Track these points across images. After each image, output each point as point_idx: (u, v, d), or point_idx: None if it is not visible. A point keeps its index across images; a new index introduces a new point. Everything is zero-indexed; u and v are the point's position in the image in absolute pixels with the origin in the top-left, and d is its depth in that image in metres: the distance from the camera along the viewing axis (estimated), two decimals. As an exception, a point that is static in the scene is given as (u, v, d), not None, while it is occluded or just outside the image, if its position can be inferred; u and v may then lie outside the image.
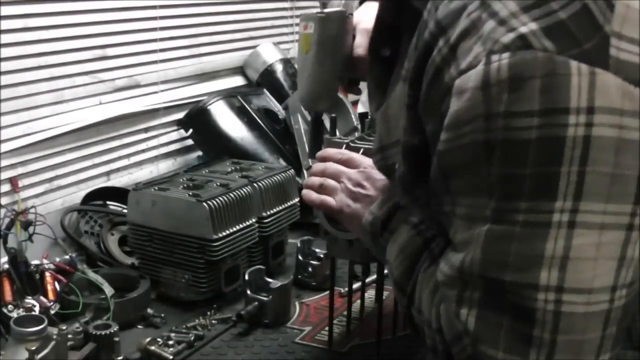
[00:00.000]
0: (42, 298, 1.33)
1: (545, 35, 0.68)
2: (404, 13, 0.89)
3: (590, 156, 0.68)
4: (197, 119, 2.10)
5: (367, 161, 1.10)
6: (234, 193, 1.50)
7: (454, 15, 0.74)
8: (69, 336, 1.20)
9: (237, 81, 2.42)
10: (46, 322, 1.15)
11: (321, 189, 1.12)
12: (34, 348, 1.10)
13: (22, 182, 1.69)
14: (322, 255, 1.57)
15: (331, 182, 1.11)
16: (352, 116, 2.20)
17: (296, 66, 1.67)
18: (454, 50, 0.73)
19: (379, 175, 1.03)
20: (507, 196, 0.70)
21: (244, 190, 1.53)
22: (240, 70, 2.44)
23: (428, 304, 0.83)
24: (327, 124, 1.33)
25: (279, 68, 2.40)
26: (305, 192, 1.16)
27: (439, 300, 0.81)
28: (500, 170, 0.70)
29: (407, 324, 0.94)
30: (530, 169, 0.69)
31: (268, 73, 2.39)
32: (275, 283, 1.42)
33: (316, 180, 1.14)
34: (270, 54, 2.42)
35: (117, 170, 1.99)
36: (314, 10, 1.18)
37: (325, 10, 1.18)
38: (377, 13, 0.98)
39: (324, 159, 1.16)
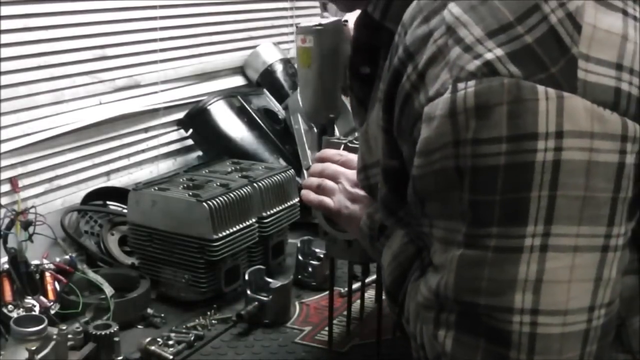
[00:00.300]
0: (42, 298, 1.34)
1: (512, 60, 0.68)
2: (379, 33, 0.89)
3: (561, 180, 0.67)
4: (197, 119, 2.10)
5: None
6: (234, 193, 1.50)
7: (421, 41, 0.73)
8: (69, 336, 1.20)
9: (237, 81, 2.42)
10: (46, 322, 1.15)
11: (319, 189, 1.12)
12: (34, 348, 1.10)
13: (22, 182, 1.69)
14: (322, 255, 1.57)
15: (329, 183, 1.11)
16: (351, 116, 2.20)
17: (298, 79, 1.68)
18: (422, 77, 0.72)
19: None
20: (478, 222, 0.70)
21: (244, 190, 1.53)
22: (240, 70, 2.44)
23: (413, 318, 0.83)
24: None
25: (279, 68, 2.40)
26: (304, 192, 1.16)
27: (421, 318, 0.81)
28: (471, 197, 0.70)
29: (400, 332, 0.94)
30: (500, 195, 0.68)
31: (268, 73, 2.39)
32: (275, 283, 1.42)
33: (315, 180, 1.14)
34: (270, 54, 2.42)
35: (117, 170, 1.99)
36: (311, 23, 1.18)
37: (323, 22, 1.18)
38: (353, 34, 0.98)
39: (323, 160, 1.16)
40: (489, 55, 0.68)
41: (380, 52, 0.92)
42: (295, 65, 1.94)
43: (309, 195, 1.14)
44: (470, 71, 0.68)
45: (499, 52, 0.68)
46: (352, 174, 1.08)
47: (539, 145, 0.67)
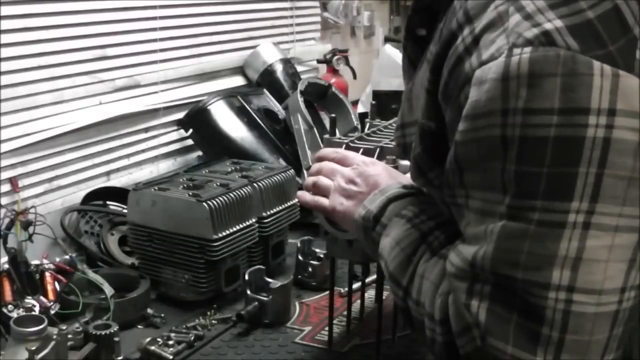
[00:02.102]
0: (42, 298, 1.33)
1: (570, 33, 0.68)
2: None
3: (609, 159, 0.68)
4: (197, 119, 2.10)
5: (362, 158, 1.10)
6: (234, 193, 1.50)
7: (482, 6, 0.74)
8: (69, 336, 1.20)
9: (237, 81, 2.42)
10: (46, 322, 1.15)
11: (315, 187, 1.12)
12: (34, 348, 1.10)
13: (22, 182, 1.69)
14: (322, 255, 1.57)
15: (324, 180, 1.11)
16: (352, 116, 2.21)
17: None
18: (477, 41, 0.73)
19: (372, 172, 1.04)
20: (522, 194, 0.70)
21: (244, 190, 1.53)
22: (240, 70, 2.44)
23: (430, 296, 0.83)
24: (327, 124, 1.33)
25: (279, 68, 2.40)
26: (299, 193, 1.16)
27: (444, 292, 0.81)
28: (517, 168, 0.70)
29: (403, 317, 0.93)
30: (547, 168, 0.69)
31: (268, 73, 2.39)
32: (275, 283, 1.42)
33: (311, 180, 1.14)
34: (270, 54, 2.42)
35: (117, 170, 1.99)
36: None
37: None
38: None
39: (320, 159, 1.16)
40: (548, 25, 0.69)
41: (438, 16, 0.92)
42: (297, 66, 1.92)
43: (305, 196, 1.14)
44: (527, 38, 0.69)
45: (559, 23, 0.69)
46: (348, 170, 1.08)
47: (590, 121, 0.67)
